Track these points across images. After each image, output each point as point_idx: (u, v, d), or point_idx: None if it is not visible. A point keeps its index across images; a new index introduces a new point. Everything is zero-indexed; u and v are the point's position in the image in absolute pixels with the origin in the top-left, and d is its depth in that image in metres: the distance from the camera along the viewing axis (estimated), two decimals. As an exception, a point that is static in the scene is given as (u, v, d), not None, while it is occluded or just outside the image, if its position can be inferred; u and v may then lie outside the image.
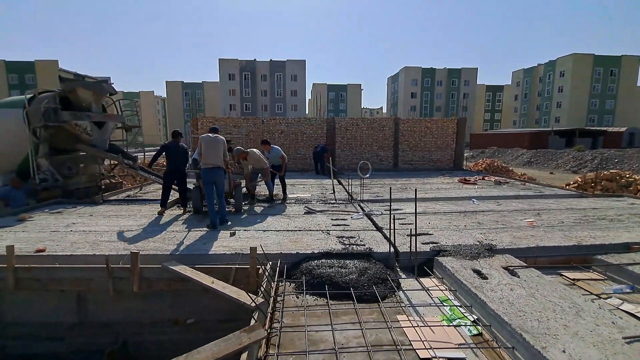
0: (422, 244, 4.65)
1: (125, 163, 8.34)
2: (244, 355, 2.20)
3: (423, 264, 4.23)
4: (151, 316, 4.00)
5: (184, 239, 4.88)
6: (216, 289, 3.17)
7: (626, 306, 3.38)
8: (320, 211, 6.63)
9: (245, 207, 6.95)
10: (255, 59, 58.68)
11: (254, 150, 7.20)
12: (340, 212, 6.58)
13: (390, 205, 4.55)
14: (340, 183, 10.61)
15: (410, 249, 4.14)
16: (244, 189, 7.71)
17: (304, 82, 60.06)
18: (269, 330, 2.65)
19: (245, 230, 5.34)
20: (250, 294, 3.02)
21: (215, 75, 59.37)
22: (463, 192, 8.84)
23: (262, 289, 3.15)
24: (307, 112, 63.56)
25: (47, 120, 7.90)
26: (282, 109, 59.61)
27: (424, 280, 3.92)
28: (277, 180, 8.02)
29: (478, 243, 4.60)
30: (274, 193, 7.73)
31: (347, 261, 4.11)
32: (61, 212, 6.65)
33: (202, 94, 78.95)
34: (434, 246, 4.53)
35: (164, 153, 6.26)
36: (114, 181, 10.60)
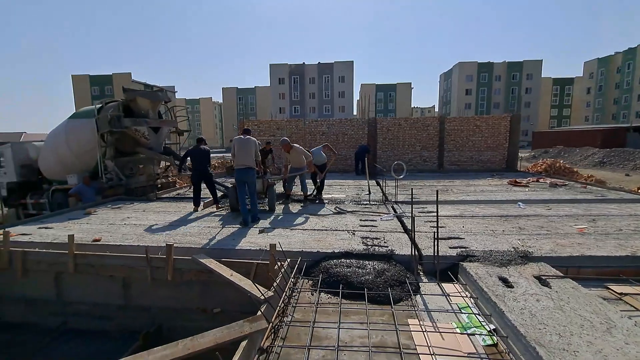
0: (450, 248, 4.46)
1: (175, 164, 9.13)
2: (244, 343, 2.35)
3: (448, 269, 4.05)
4: (183, 304, 4.37)
5: (216, 234, 5.24)
6: (233, 281, 3.38)
7: (682, 328, 2.93)
8: (351, 212, 6.64)
9: (280, 207, 7.21)
10: (304, 62, 60.00)
11: (298, 146, 7.40)
12: (371, 213, 6.52)
13: (412, 207, 4.41)
14: (378, 184, 10.47)
15: (434, 252, 3.99)
16: (282, 189, 8.01)
17: (351, 83, 59.97)
18: (272, 323, 2.77)
19: (274, 228, 5.56)
20: (262, 288, 3.18)
21: (267, 80, 61.92)
22: (510, 195, 8.20)
23: (276, 284, 3.28)
24: (355, 113, 63.23)
25: (112, 126, 8.96)
26: (330, 111, 60.12)
27: (446, 285, 3.76)
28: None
29: (512, 249, 4.28)
30: (309, 193, 7.91)
31: (367, 262, 4.10)
32: (120, 208, 7.51)
33: (254, 99, 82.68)
34: (461, 251, 4.31)
35: (189, 157, 6.80)
36: (169, 180, 11.63)
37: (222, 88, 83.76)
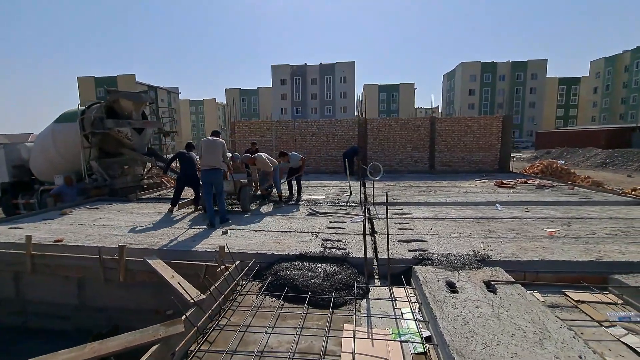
0: (409, 250, 4.36)
1: (157, 165, 9.13)
2: (154, 348, 2.29)
3: (402, 273, 3.96)
4: (137, 304, 4.33)
5: (179, 235, 5.20)
6: (171, 283, 3.33)
7: (630, 338, 2.81)
8: (323, 213, 6.55)
9: (254, 208, 7.16)
10: (305, 63, 60.06)
11: (261, 154, 7.40)
12: (344, 215, 6.44)
13: (364, 209, 4.32)
14: (364, 185, 10.37)
15: (387, 255, 3.90)
16: (259, 191, 7.97)
17: (353, 84, 59.86)
18: (198, 327, 2.71)
19: (239, 229, 5.50)
20: (196, 291, 3.12)
21: (269, 81, 62.02)
22: (493, 196, 8.04)
23: (213, 287, 3.22)
24: (356, 114, 63.05)
25: (94, 127, 9.00)
26: (332, 111, 60.06)
27: (397, 290, 3.67)
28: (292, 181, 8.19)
29: (472, 253, 4.16)
30: (284, 195, 7.88)
31: (319, 265, 4.02)
32: (97, 208, 7.52)
33: (257, 100, 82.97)
34: (419, 254, 4.21)
35: (177, 159, 6.76)
36: (156, 181, 11.65)
37: (225, 89, 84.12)
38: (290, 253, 4.30)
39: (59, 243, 4.88)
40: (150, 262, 3.94)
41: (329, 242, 4.77)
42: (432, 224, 5.66)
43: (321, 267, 3.95)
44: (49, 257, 4.44)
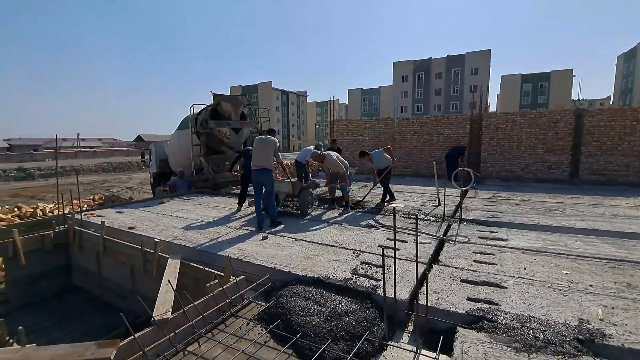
0: (468, 299, 3.04)
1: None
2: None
3: (445, 332, 2.73)
4: (168, 301, 4.38)
5: (222, 236, 5.12)
6: (161, 289, 3.11)
7: None
8: (387, 226, 5.48)
9: (318, 212, 6.63)
10: (430, 57, 55.90)
11: (331, 153, 6.78)
12: (408, 232, 5.23)
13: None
14: (464, 195, 8.52)
15: (426, 302, 2.75)
16: (328, 194, 7.42)
17: (487, 75, 52.35)
18: (145, 352, 2.34)
19: (282, 236, 5.06)
20: (167, 309, 2.79)
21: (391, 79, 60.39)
22: (666, 226, 5.24)
23: (192, 305, 2.84)
24: (494, 109, 55.09)
25: (201, 127, 10.16)
26: (458, 108, 54.13)
27: (426, 356, 2.52)
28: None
29: (574, 324, 2.57)
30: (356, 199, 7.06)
31: (335, 296, 3.18)
32: (189, 200, 8.39)
33: (378, 99, 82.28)
34: (480, 308, 2.86)
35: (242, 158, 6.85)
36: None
37: (348, 89, 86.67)
38: (309, 275, 3.59)
39: (131, 230, 5.47)
40: (170, 260, 3.89)
41: (365, 266, 3.83)
42: (531, 261, 3.94)
43: (334, 300, 3.10)
44: (111, 242, 4.98)
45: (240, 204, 6.95)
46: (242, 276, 3.45)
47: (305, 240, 4.80)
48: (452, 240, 4.72)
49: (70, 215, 6.09)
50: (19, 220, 8.11)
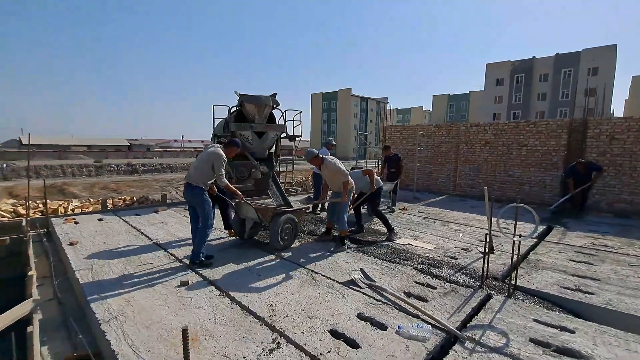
0: None
1: (260, 170, 8.46)
2: None
3: None
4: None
5: (130, 272, 3.82)
6: None
7: None
8: (379, 288, 3.46)
9: (297, 244, 4.91)
10: (533, 57, 47.87)
11: (332, 159, 4.97)
12: (404, 309, 3.14)
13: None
14: (541, 238, 5.76)
15: None
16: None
17: (610, 76, 42.38)
18: None
19: (210, 282, 3.53)
20: None
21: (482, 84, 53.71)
22: None
23: None
24: (619, 115, 44.35)
25: (223, 131, 9.32)
26: (568, 115, 44.97)
27: None
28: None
29: None
30: (349, 230, 5.10)
31: None
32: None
33: (467, 105, 74.65)
34: None
35: None
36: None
37: (433, 96, 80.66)
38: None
39: (71, 246, 4.61)
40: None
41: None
42: None
43: None
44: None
45: (227, 228, 5.67)
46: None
47: (234, 300, 3.17)
48: (471, 341, 2.54)
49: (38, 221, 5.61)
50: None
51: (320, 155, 4.90)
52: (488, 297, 3.36)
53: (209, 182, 4.09)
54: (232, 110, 9.67)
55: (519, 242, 3.39)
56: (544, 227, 6.26)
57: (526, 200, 9.18)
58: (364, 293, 3.33)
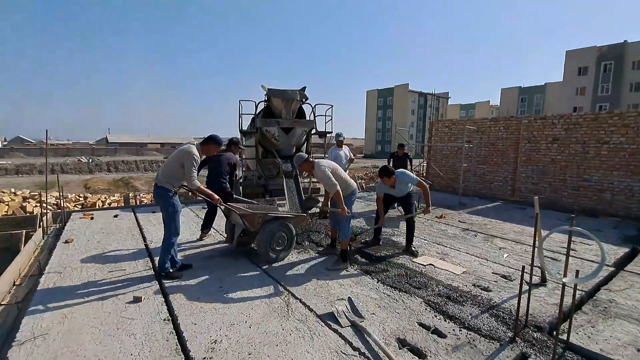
0: None
1: (280, 167, 8.01)
2: None
3: None
4: None
5: (94, 279, 3.46)
6: None
7: None
8: (363, 330, 2.63)
9: (292, 258, 4.20)
10: (625, 41, 40.64)
11: (323, 162, 4.15)
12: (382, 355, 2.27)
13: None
14: (619, 267, 4.31)
15: None
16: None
17: None
18: None
19: (174, 297, 3.01)
20: None
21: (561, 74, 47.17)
22: None
23: None
24: None
25: (249, 127, 9.00)
26: (675, 108, 37.33)
27: None
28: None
29: None
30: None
31: None
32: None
33: (542, 98, 66.62)
34: None
35: None
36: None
37: (502, 89, 73.36)
38: None
39: (66, 244, 4.51)
40: None
41: None
42: None
43: None
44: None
45: (203, 228, 5.21)
46: None
47: (177, 329, 2.61)
48: None
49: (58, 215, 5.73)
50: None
51: (311, 159, 4.11)
52: (524, 354, 2.34)
53: (179, 183, 3.59)
54: (259, 106, 9.31)
55: (570, 285, 2.29)
56: (628, 249, 4.72)
57: (608, 211, 7.34)
58: (340, 335, 2.53)
